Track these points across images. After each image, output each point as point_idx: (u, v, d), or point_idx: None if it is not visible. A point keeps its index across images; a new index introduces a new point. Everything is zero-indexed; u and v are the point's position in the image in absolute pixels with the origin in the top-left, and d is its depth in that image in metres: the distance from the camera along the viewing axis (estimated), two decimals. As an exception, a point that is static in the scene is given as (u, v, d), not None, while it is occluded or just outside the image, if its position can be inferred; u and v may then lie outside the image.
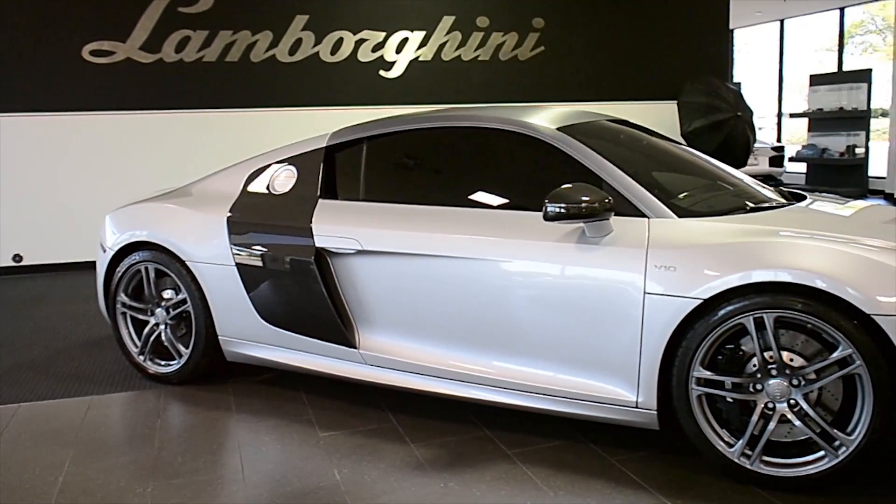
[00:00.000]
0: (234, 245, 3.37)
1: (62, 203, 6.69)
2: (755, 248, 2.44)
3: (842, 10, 11.80)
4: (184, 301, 3.55)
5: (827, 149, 11.05)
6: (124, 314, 3.78)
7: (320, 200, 3.28)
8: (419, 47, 7.53)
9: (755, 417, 2.45)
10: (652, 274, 2.55)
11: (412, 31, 7.48)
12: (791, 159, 11.66)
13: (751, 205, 2.89)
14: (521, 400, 2.84)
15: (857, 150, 10.69)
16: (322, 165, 3.37)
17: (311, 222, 3.20)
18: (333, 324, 3.15)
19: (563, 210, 2.61)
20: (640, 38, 8.35)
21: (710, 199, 2.92)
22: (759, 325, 2.39)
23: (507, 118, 3.10)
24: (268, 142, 7.13)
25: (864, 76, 11.05)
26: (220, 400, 3.46)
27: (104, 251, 3.80)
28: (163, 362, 3.69)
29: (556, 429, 2.99)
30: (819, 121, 11.22)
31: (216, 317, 3.46)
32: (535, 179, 3.07)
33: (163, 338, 3.66)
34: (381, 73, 7.48)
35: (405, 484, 2.60)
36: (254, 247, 3.33)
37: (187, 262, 3.48)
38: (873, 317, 2.24)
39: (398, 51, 7.47)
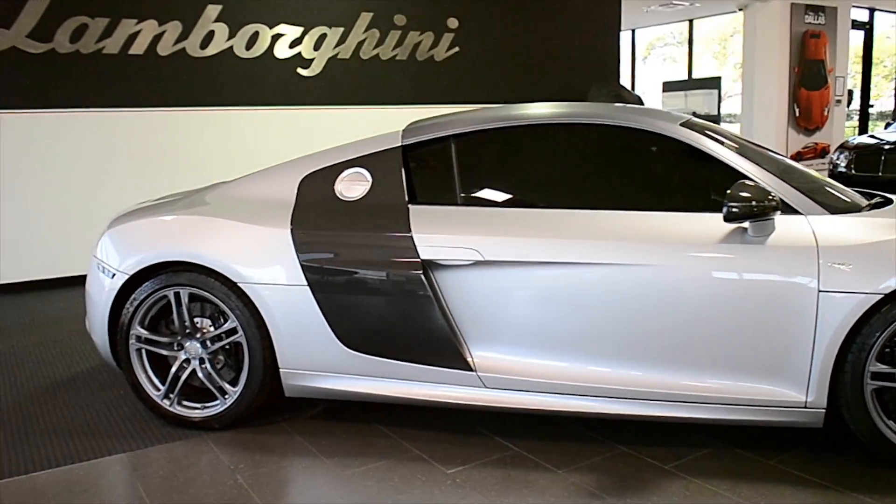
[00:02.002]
0: (306, 262, 2.88)
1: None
2: None
3: (691, 21, 12.84)
4: (232, 331, 2.99)
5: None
6: (140, 351, 3.11)
7: (411, 206, 2.90)
8: (337, 45, 7.08)
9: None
10: (826, 272, 2.50)
11: (330, 27, 7.02)
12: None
13: (867, 202, 2.95)
14: (671, 411, 2.68)
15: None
16: (403, 167, 2.98)
17: (410, 231, 2.82)
18: (448, 345, 2.79)
19: (745, 209, 2.49)
20: (546, 41, 8.48)
21: (832, 195, 2.92)
22: (936, 315, 2.43)
23: (628, 115, 2.93)
24: (183, 147, 6.41)
25: (714, 83, 12.12)
26: (290, 443, 2.95)
27: (109, 275, 3.11)
28: (197, 405, 3.09)
29: (687, 438, 2.87)
30: (675, 125, 12.09)
31: (279, 346, 2.94)
32: (662, 178, 2.93)
33: (199, 375, 3.06)
34: (300, 70, 6.94)
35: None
36: (333, 263, 2.87)
37: (240, 285, 2.92)
38: None
39: (316, 48, 6.97)
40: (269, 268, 2.92)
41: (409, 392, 2.89)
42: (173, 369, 3.08)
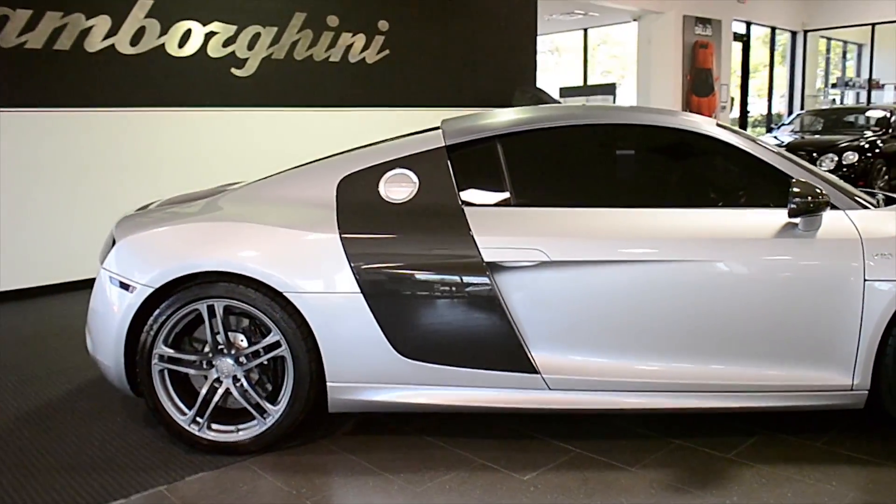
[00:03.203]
0: (359, 268, 2.75)
1: None
2: None
3: (585, 30, 13.36)
4: (274, 345, 2.80)
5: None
6: (162, 372, 2.85)
7: (466, 208, 2.83)
8: (272, 44, 6.81)
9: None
10: (871, 262, 2.69)
11: (264, 26, 6.74)
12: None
13: (882, 196, 3.19)
14: (731, 402, 2.77)
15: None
16: (451, 168, 2.91)
17: (471, 233, 2.75)
18: (512, 348, 2.75)
19: (804, 205, 2.64)
20: (471, 45, 8.56)
21: (853, 192, 3.12)
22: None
23: (676, 118, 3.02)
24: (110, 150, 5.92)
25: (610, 89, 12.67)
26: (343, 462, 2.80)
27: (127, 289, 2.82)
28: (231, 427, 2.87)
29: (731, 428, 2.98)
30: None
31: (328, 359, 2.79)
32: (712, 177, 3.03)
33: (235, 395, 2.84)
34: (234, 70, 6.61)
35: (693, 503, 2.40)
36: (388, 268, 2.76)
37: (287, 295, 2.74)
38: None
39: (250, 47, 6.67)
40: (318, 276, 2.76)
41: (471, 399, 2.82)
42: (204, 390, 2.84)
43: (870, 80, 14.86)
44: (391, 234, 2.81)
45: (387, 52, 7.74)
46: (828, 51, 16.17)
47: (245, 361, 2.84)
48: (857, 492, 2.49)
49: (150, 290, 2.79)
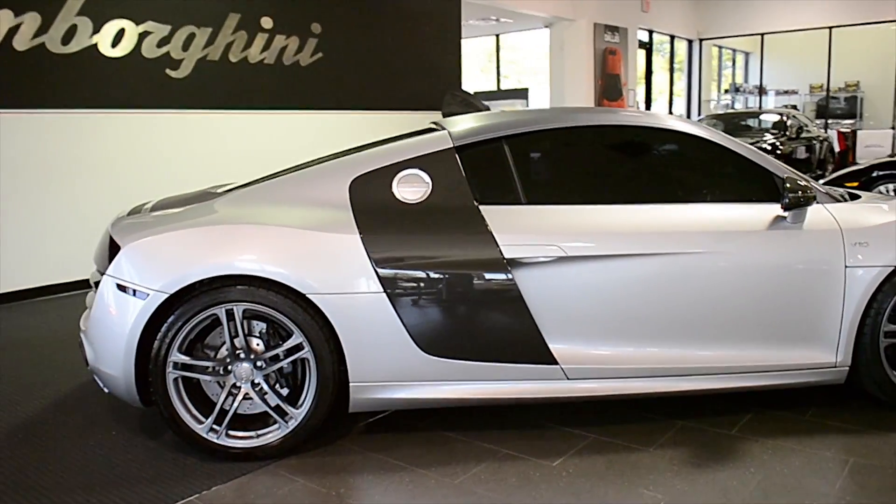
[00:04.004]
0: (382, 268, 2.77)
1: None
2: None
3: (497, 36, 13.66)
4: (297, 347, 2.77)
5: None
6: (177, 380, 2.76)
7: (481, 207, 2.91)
8: (206, 45, 6.62)
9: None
10: (850, 250, 2.97)
11: (199, 26, 6.53)
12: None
13: (841, 191, 3.50)
14: (732, 382, 2.98)
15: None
16: (463, 168, 2.98)
17: (490, 231, 2.83)
18: (533, 341, 2.84)
19: (796, 200, 2.88)
20: (401, 49, 8.60)
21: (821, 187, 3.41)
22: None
23: (672, 121, 3.22)
24: (43, 153, 5.59)
25: (523, 94, 13.04)
26: (370, 461, 2.80)
27: (138, 296, 2.72)
28: (250, 433, 2.81)
29: (726, 407, 3.19)
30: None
31: (351, 359, 2.79)
32: (706, 174, 3.23)
33: (256, 399, 2.79)
34: (168, 71, 6.38)
35: (709, 475, 2.56)
36: (411, 268, 2.79)
37: (310, 297, 2.72)
38: None
39: (185, 48, 6.46)
40: (341, 277, 2.76)
41: (491, 392, 2.89)
42: (222, 397, 2.78)
43: (760, 86, 15.99)
44: (411, 234, 2.84)
45: (320, 54, 7.68)
46: (719, 58, 17.25)
47: (263, 365, 2.80)
48: (854, 457, 2.73)
49: (165, 296, 2.70)
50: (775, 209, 3.00)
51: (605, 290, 2.90)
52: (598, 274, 2.88)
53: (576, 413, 3.15)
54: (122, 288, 2.76)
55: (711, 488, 2.52)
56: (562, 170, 3.26)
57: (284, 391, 2.86)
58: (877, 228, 3.01)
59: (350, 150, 3.52)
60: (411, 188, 2.95)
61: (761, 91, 15.88)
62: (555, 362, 2.87)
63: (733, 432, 2.96)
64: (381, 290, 2.77)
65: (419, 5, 8.84)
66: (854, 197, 3.42)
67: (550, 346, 2.87)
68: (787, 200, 2.92)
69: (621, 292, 2.91)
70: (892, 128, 14.18)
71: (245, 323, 2.80)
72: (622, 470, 2.68)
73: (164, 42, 6.30)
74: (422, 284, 2.80)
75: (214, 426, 2.78)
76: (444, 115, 8.84)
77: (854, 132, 13.11)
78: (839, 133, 13.64)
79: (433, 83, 9.02)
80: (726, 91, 17.20)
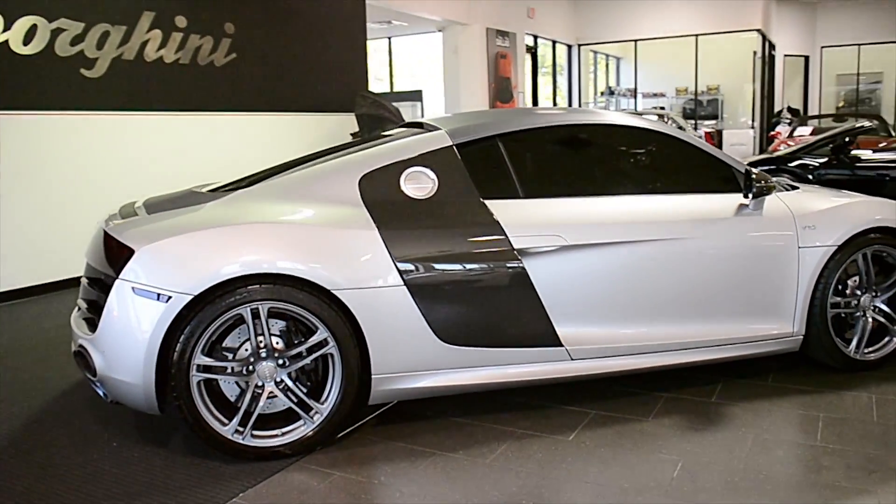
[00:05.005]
0: (401, 262, 2.87)
1: None
2: (861, 208, 3.51)
3: (390, 39, 13.79)
4: (321, 343, 2.81)
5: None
6: (199, 383, 2.73)
7: (486, 201, 3.07)
8: (121, 44, 6.34)
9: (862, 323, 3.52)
10: (801, 233, 3.38)
11: (113, 24, 6.25)
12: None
13: (775, 179, 3.93)
14: (709, 355, 3.31)
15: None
16: (465, 165, 3.13)
17: (499, 224, 2.99)
18: (541, 325, 3.03)
19: (760, 189, 3.26)
20: (310, 51, 8.56)
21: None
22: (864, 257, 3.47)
23: (652, 123, 3.51)
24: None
25: (417, 95, 13.23)
26: (398, 450, 2.88)
27: (160, 299, 2.66)
28: (276, 431, 2.82)
29: (699, 379, 3.52)
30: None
31: (374, 352, 2.86)
32: (678, 168, 3.53)
33: (281, 397, 2.81)
34: (83, 71, 6.07)
35: (710, 437, 2.85)
36: (428, 261, 2.91)
37: (335, 293, 2.78)
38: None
39: (99, 47, 6.16)
40: (364, 272, 2.83)
41: (503, 376, 3.05)
42: (247, 397, 2.78)
43: (635, 89, 17.09)
44: (426, 228, 2.96)
45: (234, 55, 7.53)
46: (595, 63, 18.24)
47: (287, 363, 2.82)
48: (823, 412, 3.12)
49: (189, 298, 2.66)
50: (738, 198, 3.37)
51: (602, 275, 3.15)
52: (594, 260, 3.12)
53: (570, 393, 3.37)
54: (140, 292, 2.69)
55: (716, 448, 2.82)
56: (554, 165, 3.49)
57: (305, 388, 2.89)
58: (822, 213, 3.45)
59: (321, 151, 3.61)
60: (418, 185, 3.06)
61: (636, 94, 16.98)
62: (560, 344, 3.08)
63: (713, 400, 3.29)
64: (402, 283, 2.87)
65: (326, 7, 8.84)
66: (793, 188, 3.87)
67: (556, 328, 3.07)
68: (754, 190, 3.28)
69: (615, 276, 3.17)
70: (751, 127, 15.62)
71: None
72: (633, 438, 2.92)
73: (77, 40, 5.99)
74: (440, 276, 2.93)
75: (239, 427, 2.77)
76: (357, 116, 8.90)
77: (720, 132, 14.32)
78: (706, 133, 14.85)
79: (342, 85, 9.04)
80: (602, 94, 18.24)
